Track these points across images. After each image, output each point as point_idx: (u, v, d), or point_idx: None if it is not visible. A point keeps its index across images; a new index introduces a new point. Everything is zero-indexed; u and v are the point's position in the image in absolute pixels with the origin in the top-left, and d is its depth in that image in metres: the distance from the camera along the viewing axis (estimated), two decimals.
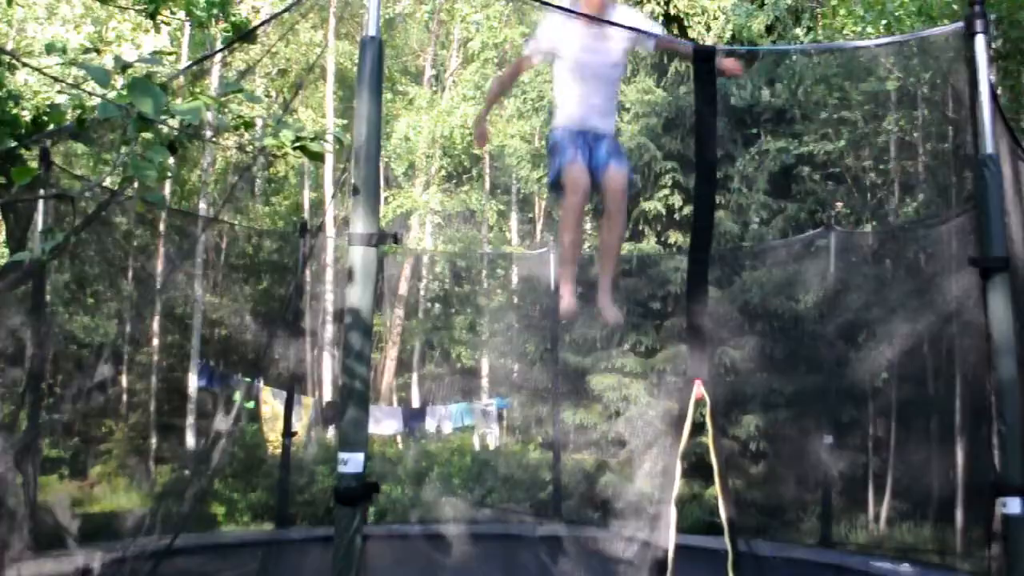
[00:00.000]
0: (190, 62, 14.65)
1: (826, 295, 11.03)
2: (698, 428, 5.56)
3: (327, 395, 16.38)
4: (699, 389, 4.35)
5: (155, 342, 16.14)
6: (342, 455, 3.79)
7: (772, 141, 12.64)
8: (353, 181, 3.93)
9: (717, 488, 4.41)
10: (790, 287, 12.01)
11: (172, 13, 8.03)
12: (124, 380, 15.82)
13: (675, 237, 13.05)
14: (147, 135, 2.62)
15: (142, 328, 16.16)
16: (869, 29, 9.94)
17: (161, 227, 16.03)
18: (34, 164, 7.59)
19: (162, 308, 16.26)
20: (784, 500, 11.58)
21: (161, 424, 15.92)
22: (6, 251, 11.78)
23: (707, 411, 4.40)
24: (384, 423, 13.24)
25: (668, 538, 4.17)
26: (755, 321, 11.97)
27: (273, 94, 19.38)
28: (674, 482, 4.27)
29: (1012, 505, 4.19)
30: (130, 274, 16.23)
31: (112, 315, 15.59)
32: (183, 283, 16.63)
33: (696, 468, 10.75)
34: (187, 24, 9.79)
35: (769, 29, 13.06)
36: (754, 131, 13.03)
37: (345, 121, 18.72)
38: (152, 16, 7.56)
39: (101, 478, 14.28)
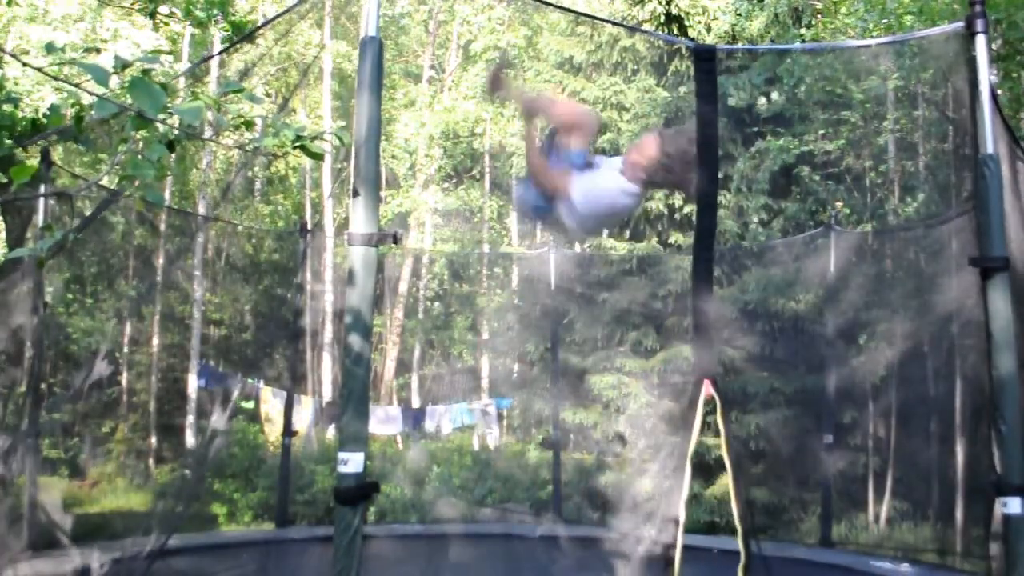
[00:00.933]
0: (190, 62, 14.65)
1: (826, 295, 11.04)
2: (703, 428, 5.56)
3: (327, 395, 16.39)
4: (709, 388, 4.33)
5: (155, 342, 16.14)
6: (342, 455, 3.79)
7: (772, 140, 12.64)
8: (353, 182, 3.93)
9: (730, 488, 4.40)
10: (790, 287, 12.02)
11: (171, 14, 8.03)
12: (124, 380, 15.82)
13: (675, 237, 13.05)
14: (145, 134, 2.62)
15: (142, 328, 16.17)
16: (871, 27, 9.93)
17: (161, 227, 16.04)
18: (33, 163, 7.59)
19: (162, 308, 16.26)
20: (784, 500, 11.59)
21: (161, 424, 15.92)
22: (6, 251, 11.77)
23: (717, 411, 4.39)
24: (384, 423, 13.25)
25: (673, 538, 4.17)
26: (755, 321, 11.97)
27: (272, 93, 19.39)
28: (684, 482, 4.27)
29: (1012, 505, 4.19)
30: (130, 273, 16.25)
31: (112, 315, 15.60)
32: (183, 283, 16.64)
33: (696, 468, 10.74)
34: (187, 24, 9.78)
35: (768, 29, 13.04)
36: (754, 130, 13.03)
37: (343, 123, 18.75)
38: (151, 15, 7.57)
39: (101, 478, 14.27)
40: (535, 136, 4.43)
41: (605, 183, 4.13)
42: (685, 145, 4.20)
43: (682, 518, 4.18)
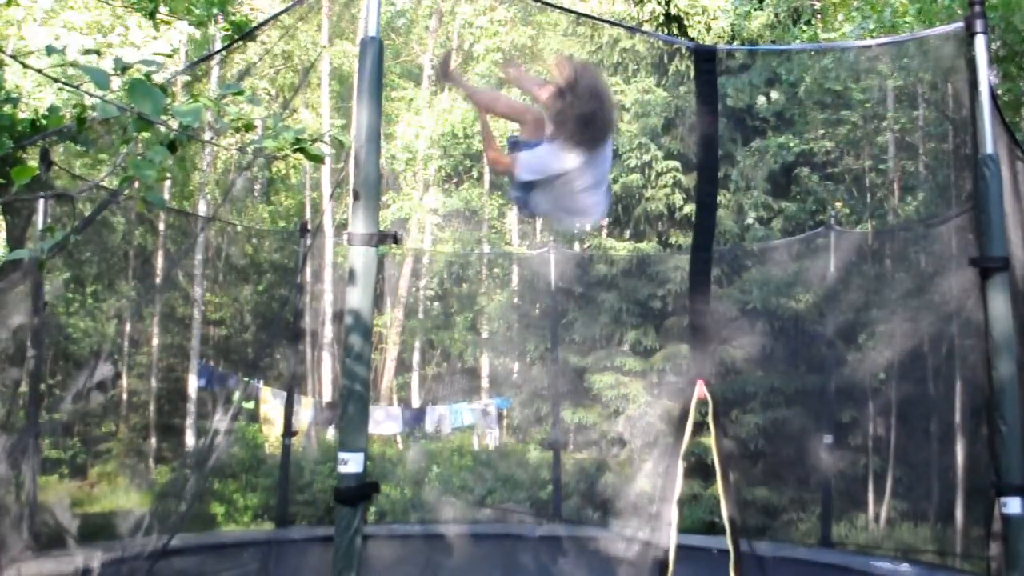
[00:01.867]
0: (190, 62, 14.65)
1: (826, 294, 11.05)
2: (699, 428, 5.58)
3: (327, 395, 16.39)
4: (701, 389, 4.34)
5: (155, 342, 16.15)
6: (342, 455, 3.80)
7: (773, 137, 12.66)
8: (353, 183, 3.93)
9: (719, 488, 4.41)
10: (790, 287, 12.03)
11: (171, 11, 8.04)
12: (124, 380, 15.83)
13: (676, 236, 13.06)
14: (147, 135, 2.63)
15: (142, 328, 16.17)
16: (871, 28, 9.94)
17: (161, 227, 16.06)
18: (33, 164, 7.60)
19: (162, 308, 16.27)
20: (784, 500, 11.60)
21: (161, 424, 15.94)
22: (6, 251, 11.76)
23: (709, 411, 4.39)
24: (384, 423, 13.25)
25: (669, 538, 4.17)
26: (755, 321, 11.97)
27: (273, 93, 19.40)
28: (676, 482, 4.27)
29: (1012, 505, 4.20)
30: (130, 274, 16.25)
31: (112, 315, 15.61)
32: (183, 283, 16.65)
33: (696, 468, 10.76)
34: (186, 24, 9.76)
35: (770, 28, 13.04)
36: (755, 125, 13.04)
37: (343, 123, 18.76)
38: (151, 15, 7.58)
39: (101, 478, 14.29)
40: (488, 125, 4.51)
41: (537, 151, 4.17)
42: (589, 77, 4.07)
43: (675, 518, 4.19)
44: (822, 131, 12.96)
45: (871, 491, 11.71)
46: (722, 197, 12.32)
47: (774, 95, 12.92)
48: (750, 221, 12.76)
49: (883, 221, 12.93)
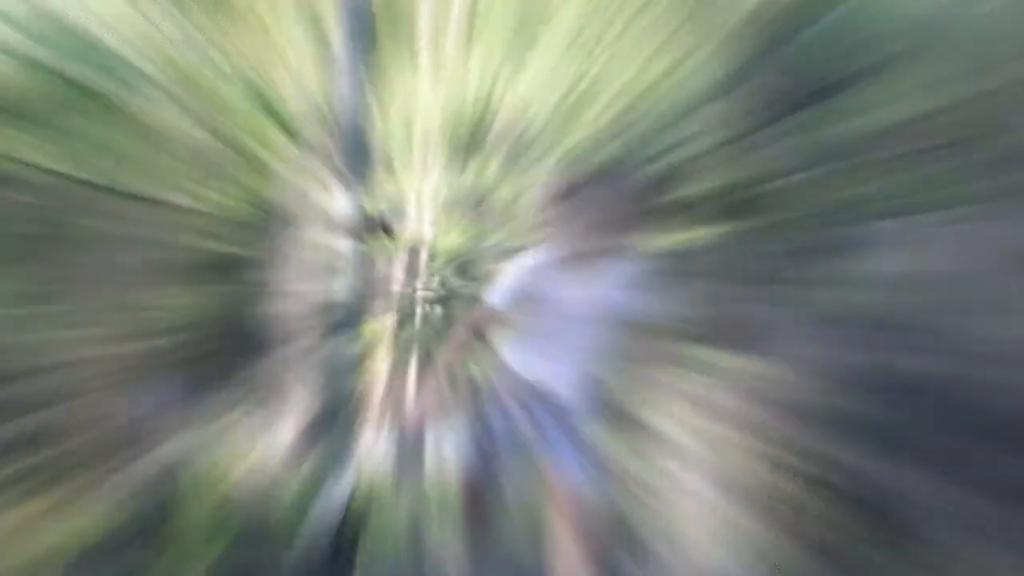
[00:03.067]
0: None
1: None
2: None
3: (310, 411, 16.40)
4: (729, 400, 4.46)
5: (102, 352, 16.09)
6: (325, 480, 3.74)
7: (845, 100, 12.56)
8: (337, 163, 3.87)
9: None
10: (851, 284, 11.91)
11: None
12: (66, 398, 15.79)
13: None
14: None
15: (86, 336, 16.12)
16: None
17: (101, 211, 16.01)
18: None
19: (111, 313, 16.23)
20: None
21: (111, 447, 15.91)
22: None
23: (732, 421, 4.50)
24: (374, 443, 13.20)
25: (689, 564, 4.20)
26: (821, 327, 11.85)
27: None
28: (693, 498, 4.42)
29: None
30: (50, 267, 16.21)
31: (44, 322, 15.56)
32: (126, 280, 16.61)
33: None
34: None
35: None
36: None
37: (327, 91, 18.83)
38: None
39: (45, 507, 14.23)
40: None
41: None
42: None
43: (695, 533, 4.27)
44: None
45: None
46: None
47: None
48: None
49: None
